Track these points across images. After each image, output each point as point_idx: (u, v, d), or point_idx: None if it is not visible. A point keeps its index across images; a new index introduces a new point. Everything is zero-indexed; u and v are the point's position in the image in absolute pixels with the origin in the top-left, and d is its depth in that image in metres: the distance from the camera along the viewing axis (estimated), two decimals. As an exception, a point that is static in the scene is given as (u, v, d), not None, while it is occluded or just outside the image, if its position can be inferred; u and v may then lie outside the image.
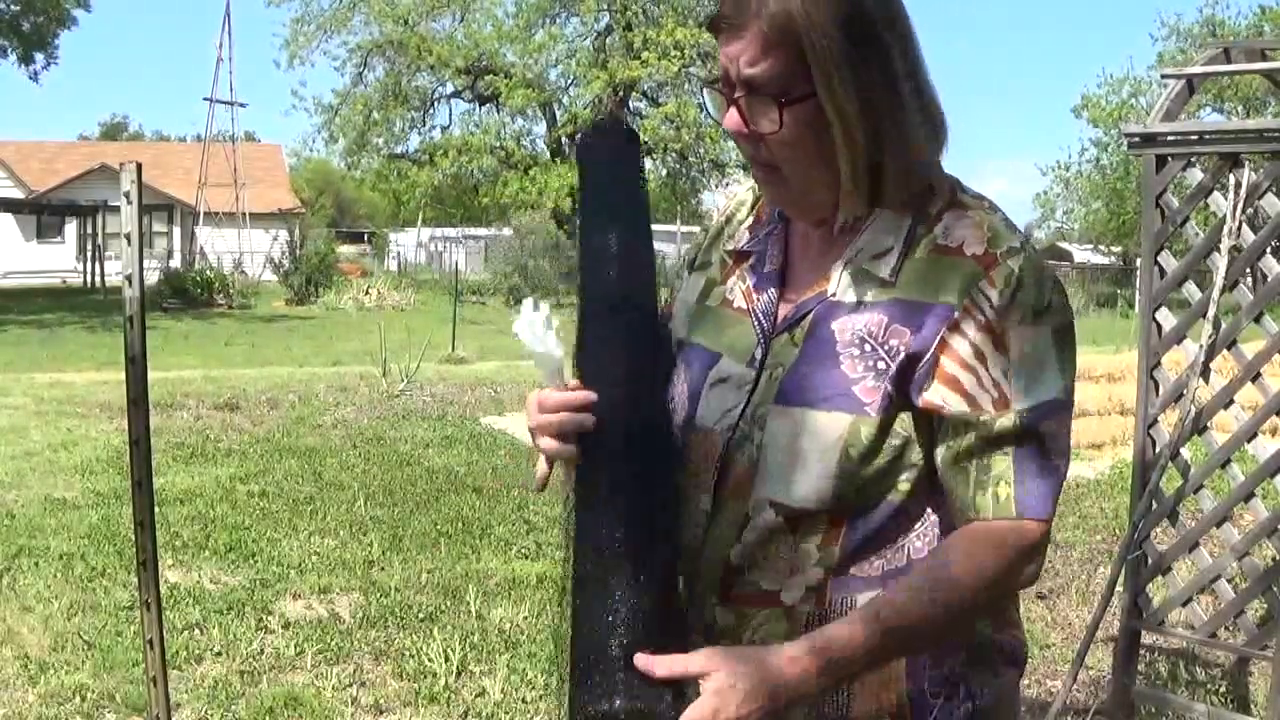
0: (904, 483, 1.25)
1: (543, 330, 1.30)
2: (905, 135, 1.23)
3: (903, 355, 1.22)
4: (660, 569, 1.25)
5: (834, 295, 1.27)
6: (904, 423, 1.24)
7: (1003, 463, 1.22)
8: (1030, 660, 4.16)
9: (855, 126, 1.21)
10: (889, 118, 1.22)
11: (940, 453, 1.24)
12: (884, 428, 1.23)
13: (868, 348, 1.24)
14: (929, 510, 1.27)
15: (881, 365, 1.23)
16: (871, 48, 1.21)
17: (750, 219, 1.41)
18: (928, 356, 1.22)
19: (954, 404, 1.21)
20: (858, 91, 1.20)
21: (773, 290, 1.33)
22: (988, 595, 1.24)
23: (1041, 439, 1.22)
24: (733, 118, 1.25)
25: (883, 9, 1.23)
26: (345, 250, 37.91)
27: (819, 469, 1.23)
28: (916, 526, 1.27)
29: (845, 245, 1.29)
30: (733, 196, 1.47)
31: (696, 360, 1.35)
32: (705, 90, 1.30)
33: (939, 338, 1.21)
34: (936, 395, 1.22)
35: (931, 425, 1.24)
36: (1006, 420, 1.21)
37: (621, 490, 1.25)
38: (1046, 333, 1.23)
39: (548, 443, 1.29)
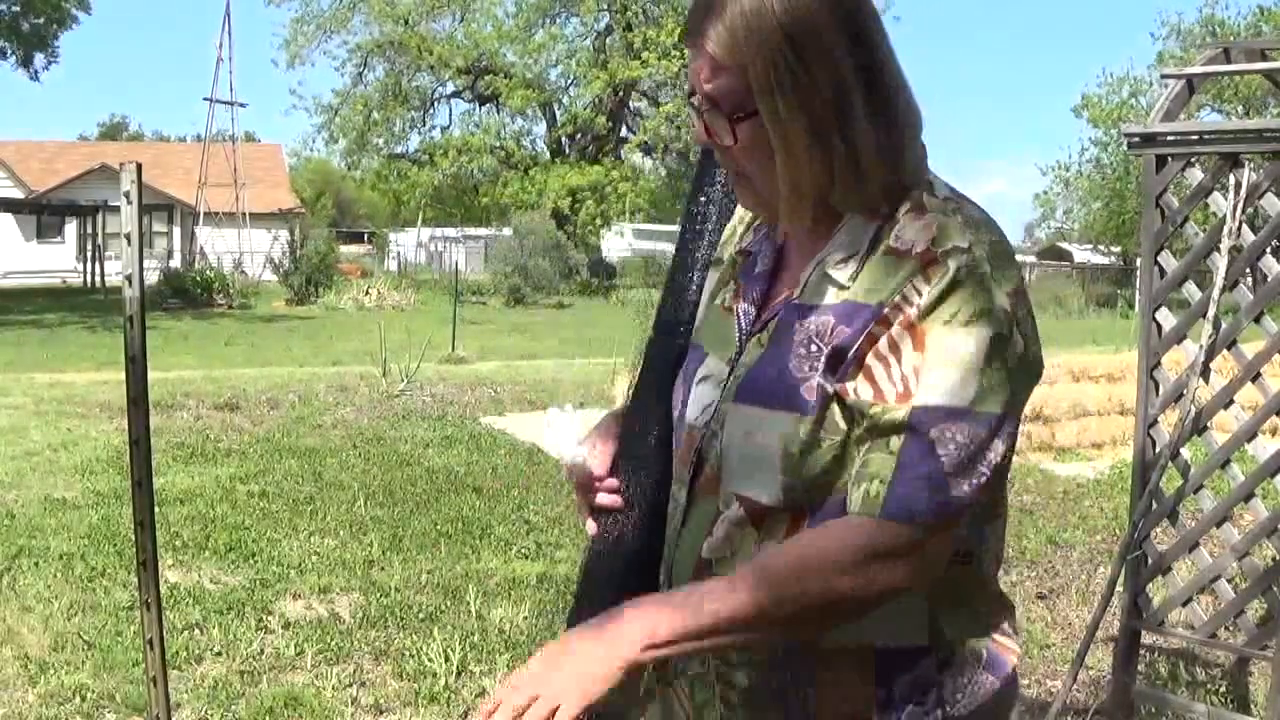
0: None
1: (573, 435, 1.44)
2: (856, 148, 1.24)
3: (829, 349, 1.23)
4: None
5: (798, 299, 1.29)
6: (838, 421, 1.24)
7: (883, 460, 1.18)
8: (1030, 660, 4.19)
9: (798, 144, 1.23)
10: (837, 134, 1.23)
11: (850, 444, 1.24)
12: (819, 424, 1.23)
13: (813, 348, 1.25)
14: None
15: (820, 364, 1.24)
16: (820, 65, 1.22)
17: (760, 219, 1.44)
18: (854, 349, 1.22)
19: (861, 392, 1.21)
20: (802, 110, 1.22)
21: (757, 291, 1.36)
22: (838, 592, 1.18)
23: (933, 444, 1.16)
24: (699, 129, 1.31)
25: (843, 22, 1.23)
26: (348, 250, 37.94)
27: (768, 466, 1.25)
28: None
29: (821, 247, 1.31)
30: None
31: (693, 359, 1.41)
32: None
33: (867, 331, 1.21)
34: (851, 384, 1.22)
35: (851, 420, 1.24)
36: (898, 414, 1.18)
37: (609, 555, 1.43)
38: (975, 340, 1.18)
39: (588, 520, 1.46)
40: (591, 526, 1.43)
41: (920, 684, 1.26)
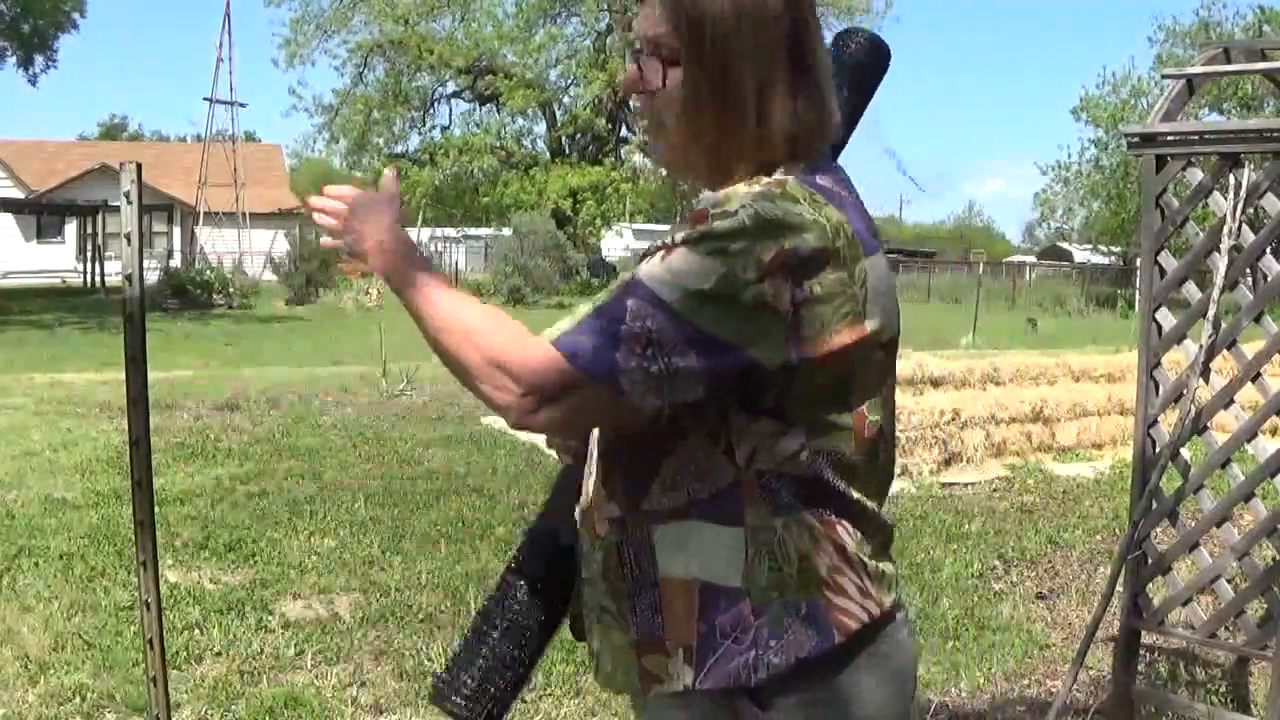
0: (655, 428, 1.36)
1: None
2: (769, 117, 1.36)
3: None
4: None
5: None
6: None
7: (583, 306, 1.33)
8: (1030, 660, 4.20)
9: (714, 97, 1.36)
10: (754, 98, 1.36)
11: None
12: None
13: None
14: (695, 450, 1.36)
15: None
16: (759, 29, 1.35)
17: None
18: None
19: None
20: (730, 64, 1.35)
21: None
22: (460, 359, 1.39)
23: (628, 312, 1.28)
24: (630, 73, 1.42)
25: (785, 8, 1.36)
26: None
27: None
28: (691, 466, 1.36)
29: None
30: None
31: None
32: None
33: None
34: None
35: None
36: (617, 281, 1.32)
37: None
38: (705, 263, 1.28)
39: None
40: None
41: (737, 624, 1.35)
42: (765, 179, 1.35)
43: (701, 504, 1.36)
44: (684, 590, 1.37)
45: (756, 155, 1.38)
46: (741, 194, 1.31)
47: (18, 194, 33.82)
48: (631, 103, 1.46)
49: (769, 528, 1.35)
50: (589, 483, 1.49)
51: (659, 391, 1.29)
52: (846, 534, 1.38)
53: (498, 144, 35.41)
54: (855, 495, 1.39)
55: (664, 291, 1.28)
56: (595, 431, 1.48)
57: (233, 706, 3.64)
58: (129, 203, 2.44)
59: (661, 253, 1.30)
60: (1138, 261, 4.95)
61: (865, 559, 1.39)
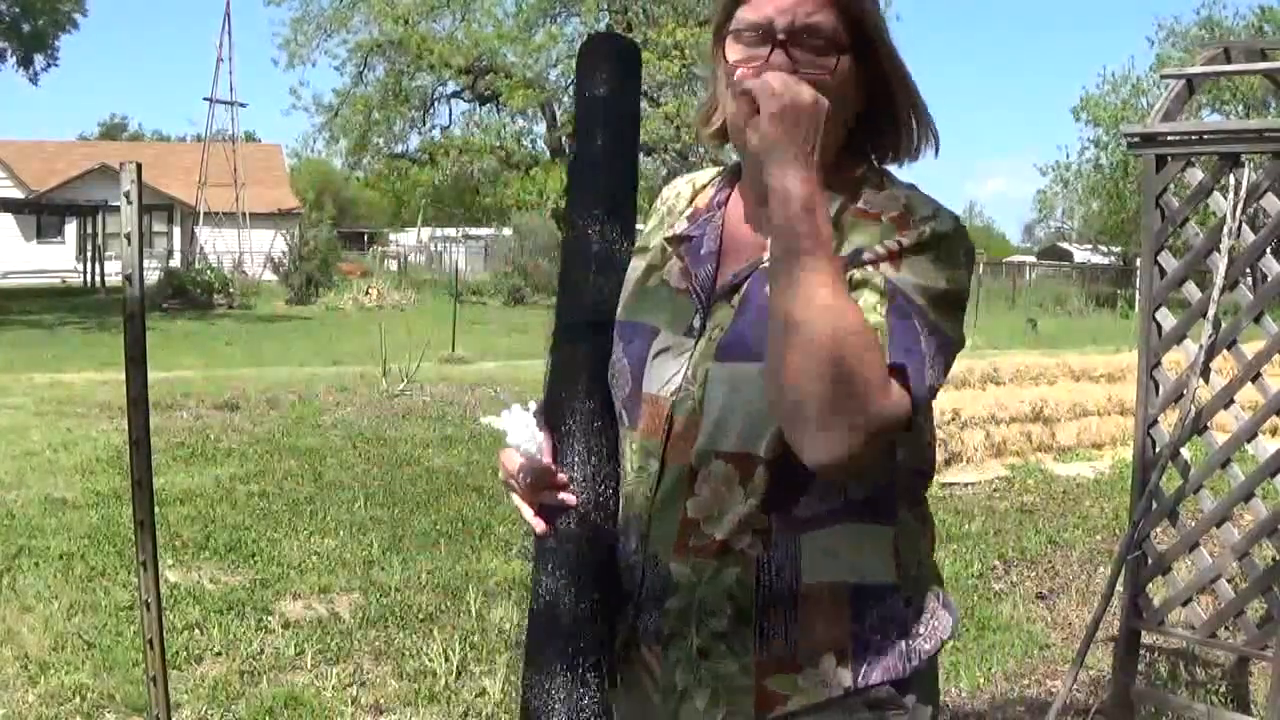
0: None
1: (530, 429, 1.43)
2: (896, 107, 1.38)
3: None
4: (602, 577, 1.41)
5: (766, 264, 1.33)
6: None
7: (877, 308, 1.24)
8: (1030, 660, 4.20)
9: (887, 84, 1.36)
10: (903, 86, 1.38)
11: None
12: None
13: None
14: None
15: None
16: (886, 33, 1.36)
17: (689, 209, 1.51)
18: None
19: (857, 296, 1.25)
20: (892, 56, 1.36)
21: (709, 267, 1.42)
22: (855, 375, 1.16)
23: (912, 331, 1.24)
24: (778, 58, 1.31)
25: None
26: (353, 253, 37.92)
27: (756, 418, 1.30)
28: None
29: None
30: (672, 189, 1.58)
31: (638, 336, 1.44)
32: (725, 42, 1.37)
33: (848, 274, 1.26)
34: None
35: None
36: (879, 280, 1.25)
37: (572, 540, 1.41)
38: (944, 279, 1.27)
39: (532, 517, 1.43)
40: (540, 525, 1.41)
41: (889, 617, 1.36)
42: (892, 178, 1.38)
43: (856, 505, 1.34)
44: (831, 596, 1.33)
45: (877, 149, 1.41)
46: (917, 194, 1.34)
47: (18, 194, 33.82)
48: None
49: (908, 522, 1.39)
50: (696, 502, 1.35)
51: (930, 404, 1.31)
52: (930, 525, 1.47)
53: (498, 144, 35.41)
54: None
55: (924, 301, 1.26)
56: (701, 447, 1.34)
57: (233, 706, 3.64)
58: (129, 203, 2.44)
59: (888, 262, 1.27)
60: (1138, 261, 4.94)
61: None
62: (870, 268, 1.26)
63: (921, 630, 1.38)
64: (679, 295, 1.42)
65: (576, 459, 1.42)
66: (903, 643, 1.36)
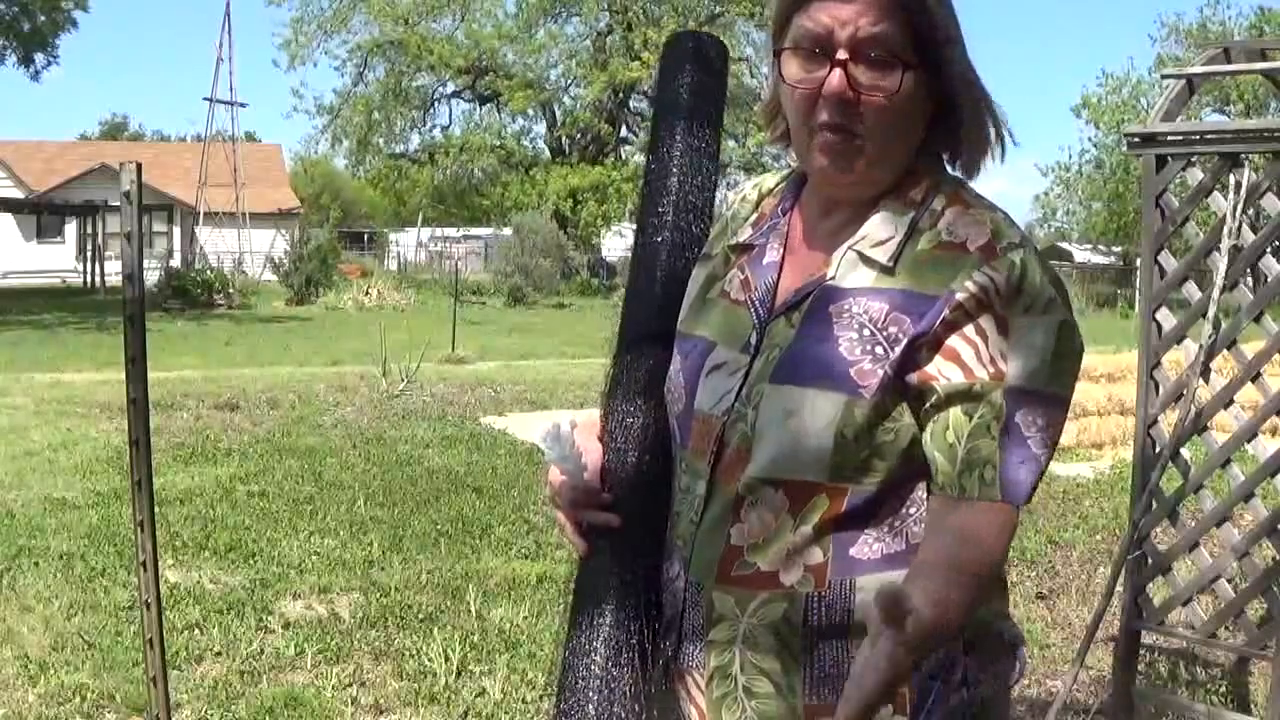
0: (899, 466, 1.25)
1: (569, 448, 1.39)
2: (961, 116, 1.30)
3: (904, 341, 1.22)
4: (644, 604, 1.35)
5: (832, 279, 1.29)
6: (900, 408, 1.24)
7: (989, 443, 1.20)
8: (1030, 660, 4.19)
9: (955, 99, 1.29)
10: (973, 94, 1.30)
11: (930, 426, 1.23)
12: (878, 411, 1.23)
13: (866, 332, 1.24)
14: (924, 494, 1.27)
15: (880, 350, 1.23)
16: (956, 28, 1.28)
17: (754, 215, 1.43)
18: (929, 336, 1.21)
19: (951, 374, 1.20)
20: (963, 64, 1.28)
21: (770, 279, 1.35)
22: (988, 573, 1.22)
23: (1020, 427, 1.20)
24: (838, 80, 1.24)
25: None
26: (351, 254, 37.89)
27: (814, 446, 1.24)
28: (912, 510, 1.26)
29: (848, 234, 1.31)
30: (739, 193, 1.50)
31: (694, 350, 1.38)
32: (782, 55, 1.30)
33: (941, 317, 1.21)
34: (934, 368, 1.21)
35: (924, 404, 1.23)
36: (995, 395, 1.20)
37: (619, 559, 1.37)
38: (1050, 327, 1.22)
39: (574, 534, 1.41)
40: (582, 545, 1.39)
41: (948, 661, 1.26)
42: (971, 192, 1.32)
43: (915, 547, 1.26)
44: None
45: (944, 158, 1.35)
46: (1001, 215, 1.27)
47: (18, 194, 33.81)
48: (827, 110, 1.26)
49: None
50: (741, 529, 1.30)
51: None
52: None
53: (498, 144, 35.43)
54: None
55: (1029, 378, 1.21)
56: (751, 472, 1.28)
57: (233, 706, 3.64)
58: (129, 203, 2.44)
59: (973, 327, 1.21)
60: (1138, 261, 4.94)
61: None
62: (983, 372, 1.20)
63: (983, 676, 1.29)
64: (737, 308, 1.36)
65: (627, 474, 1.38)
66: (964, 690, 1.27)
